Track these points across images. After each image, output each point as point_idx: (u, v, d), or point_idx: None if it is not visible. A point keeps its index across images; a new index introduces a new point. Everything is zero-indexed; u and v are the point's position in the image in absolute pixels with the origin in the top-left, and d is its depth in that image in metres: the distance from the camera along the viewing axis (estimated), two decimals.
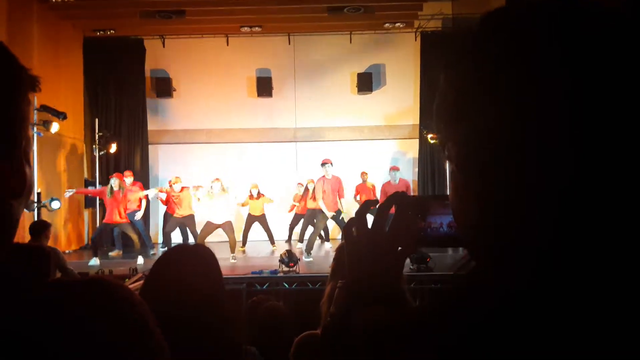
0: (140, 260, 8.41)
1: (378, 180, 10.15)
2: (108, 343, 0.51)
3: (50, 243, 5.92)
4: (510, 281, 0.43)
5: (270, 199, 9.91)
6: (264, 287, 6.74)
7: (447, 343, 0.42)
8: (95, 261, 8.23)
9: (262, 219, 9.80)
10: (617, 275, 0.40)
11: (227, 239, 8.62)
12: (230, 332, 1.48)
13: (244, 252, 9.34)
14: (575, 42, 0.41)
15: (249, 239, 9.83)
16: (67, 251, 9.66)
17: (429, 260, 6.89)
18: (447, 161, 0.50)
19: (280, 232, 10.52)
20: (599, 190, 0.40)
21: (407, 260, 6.73)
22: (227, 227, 8.64)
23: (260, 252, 9.55)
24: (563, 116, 0.40)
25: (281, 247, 9.00)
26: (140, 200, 9.34)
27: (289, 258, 7.10)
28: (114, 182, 8.68)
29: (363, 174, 10.07)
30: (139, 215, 9.19)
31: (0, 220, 0.58)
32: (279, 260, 7.15)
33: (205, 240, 8.34)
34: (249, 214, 9.78)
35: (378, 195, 9.56)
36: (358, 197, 9.85)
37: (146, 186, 10.80)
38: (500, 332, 0.40)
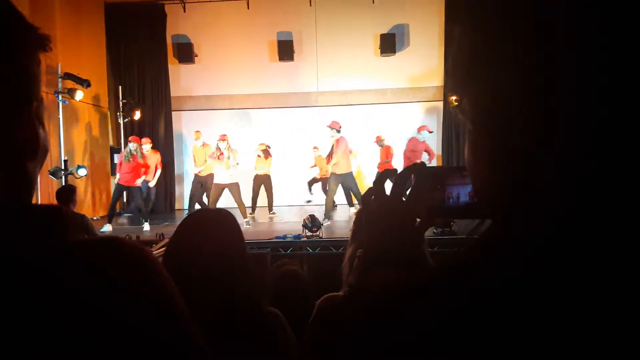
0: (146, 227, 8.59)
1: (402, 144, 10.04)
2: (120, 300, 0.51)
3: (78, 209, 6.07)
4: (526, 238, 0.42)
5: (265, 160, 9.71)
6: (288, 251, 6.83)
7: (465, 299, 0.42)
8: (108, 227, 8.42)
9: (267, 181, 9.67)
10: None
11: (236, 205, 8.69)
12: (252, 293, 1.50)
13: (253, 218, 9.29)
14: None
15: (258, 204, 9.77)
16: (94, 218, 9.91)
17: (453, 224, 6.87)
18: (463, 118, 0.49)
19: (297, 198, 10.58)
20: (618, 154, 0.39)
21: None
22: (234, 188, 8.68)
23: (284, 218, 9.63)
24: (583, 72, 0.39)
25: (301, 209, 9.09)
26: (156, 168, 9.40)
27: (312, 223, 7.15)
28: (132, 145, 8.78)
29: (378, 138, 10.01)
30: (152, 183, 9.29)
31: (13, 180, 0.57)
32: (302, 225, 7.22)
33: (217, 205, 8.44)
34: (256, 175, 9.64)
35: (396, 154, 9.59)
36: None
37: (170, 153, 10.90)
38: (517, 289, 0.40)
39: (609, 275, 0.38)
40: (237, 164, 8.81)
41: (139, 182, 8.90)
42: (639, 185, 0.39)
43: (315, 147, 10.35)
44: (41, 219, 0.55)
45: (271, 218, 9.57)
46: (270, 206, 9.78)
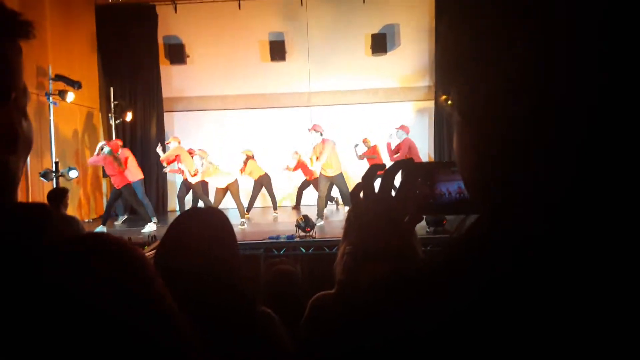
0: (146, 228, 8.50)
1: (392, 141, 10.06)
2: (105, 295, 0.51)
3: (69, 212, 6.02)
4: (515, 231, 0.42)
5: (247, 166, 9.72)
6: (282, 252, 6.82)
7: (454, 290, 0.42)
8: (102, 228, 8.37)
9: (266, 180, 9.67)
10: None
11: (235, 206, 8.70)
12: (243, 293, 1.51)
13: (248, 219, 9.29)
14: None
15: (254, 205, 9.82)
16: (86, 220, 9.85)
17: (445, 223, 6.89)
18: (452, 109, 0.49)
19: (291, 198, 10.61)
20: (608, 147, 0.38)
21: (424, 223, 6.68)
22: (233, 187, 8.72)
23: (278, 218, 9.62)
24: (572, 65, 0.39)
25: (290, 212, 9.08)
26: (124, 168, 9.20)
27: (306, 223, 7.15)
28: (106, 149, 8.76)
29: (365, 140, 10.09)
30: (137, 185, 9.15)
31: None
32: (296, 225, 7.21)
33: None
34: (254, 180, 9.71)
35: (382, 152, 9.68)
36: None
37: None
38: (507, 282, 0.40)
39: (600, 270, 0.38)
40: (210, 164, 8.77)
41: (131, 177, 8.83)
42: (630, 179, 0.39)
43: (295, 152, 10.33)
44: (26, 216, 0.54)
45: (275, 218, 9.55)
46: (274, 204, 9.81)
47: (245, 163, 9.51)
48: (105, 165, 8.80)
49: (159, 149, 9.49)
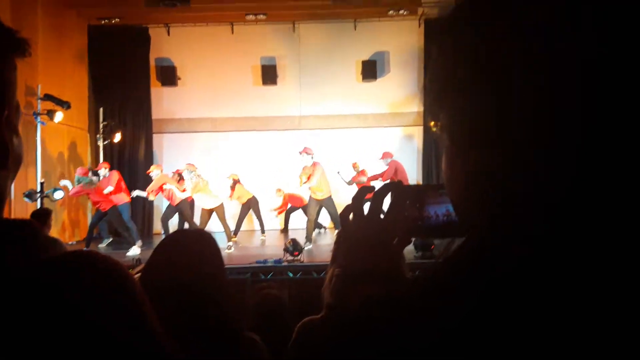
0: (131, 251, 8.41)
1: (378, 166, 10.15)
2: (90, 314, 0.50)
3: (52, 233, 5.94)
4: (501, 254, 0.42)
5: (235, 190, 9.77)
6: (269, 276, 6.76)
7: (442, 311, 0.42)
8: None
9: (254, 204, 9.71)
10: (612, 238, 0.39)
11: (222, 229, 8.67)
12: (228, 318, 1.48)
13: (235, 242, 9.25)
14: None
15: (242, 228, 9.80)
16: (70, 242, 9.71)
17: (433, 248, 6.89)
18: (440, 132, 0.50)
19: (278, 221, 10.61)
20: (595, 170, 0.39)
21: (412, 247, 6.68)
22: (219, 210, 8.69)
23: (266, 241, 9.57)
24: (555, 84, 0.39)
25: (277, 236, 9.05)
26: (113, 190, 9.01)
27: (294, 247, 7.11)
28: (77, 177, 8.73)
29: (354, 165, 10.18)
30: (123, 208, 9.06)
31: None
32: (284, 249, 7.17)
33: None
34: (242, 204, 9.75)
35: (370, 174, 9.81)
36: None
37: (150, 176, 10.73)
38: (489, 300, 0.40)
39: (588, 292, 0.38)
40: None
41: (118, 200, 8.78)
42: (618, 204, 0.39)
43: (278, 190, 10.34)
44: (13, 232, 0.54)
45: (263, 241, 9.52)
46: (262, 227, 9.80)
47: (232, 188, 9.51)
48: (88, 193, 8.72)
49: (136, 192, 9.37)
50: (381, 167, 9.60)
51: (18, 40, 0.57)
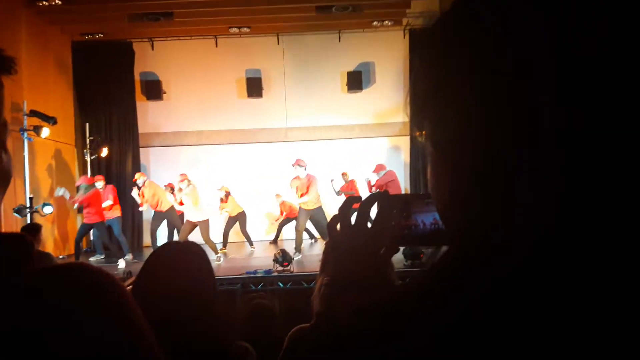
0: (121, 264, 8.40)
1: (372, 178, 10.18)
2: (85, 325, 0.51)
3: (42, 248, 5.88)
4: (487, 258, 0.43)
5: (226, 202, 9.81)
6: (259, 287, 6.75)
7: (431, 318, 0.42)
8: None
9: (241, 217, 9.73)
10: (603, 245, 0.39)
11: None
12: (220, 329, 1.50)
13: (225, 254, 9.25)
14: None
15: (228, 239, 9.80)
16: (60, 256, 9.61)
17: (422, 257, 6.92)
18: (425, 140, 0.50)
19: (267, 233, 10.62)
20: (581, 172, 0.39)
21: (401, 256, 6.64)
22: (204, 226, 8.62)
23: (255, 253, 9.55)
24: (540, 91, 0.40)
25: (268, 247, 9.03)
26: (112, 204, 9.15)
27: (283, 257, 7.11)
28: (83, 185, 8.73)
29: (344, 174, 10.19)
30: (115, 221, 9.09)
31: None
32: (273, 260, 7.16)
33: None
34: (229, 216, 9.75)
35: (360, 187, 9.81)
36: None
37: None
38: (476, 307, 0.40)
39: (578, 298, 0.38)
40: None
41: (109, 215, 8.80)
42: (604, 207, 0.39)
43: (277, 195, 10.38)
44: (5, 247, 0.54)
45: (252, 252, 9.54)
46: (249, 240, 9.79)
47: (224, 200, 9.50)
48: (91, 201, 8.67)
49: (134, 193, 9.41)
50: (373, 177, 9.55)
51: (3, 59, 0.57)
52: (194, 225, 8.68)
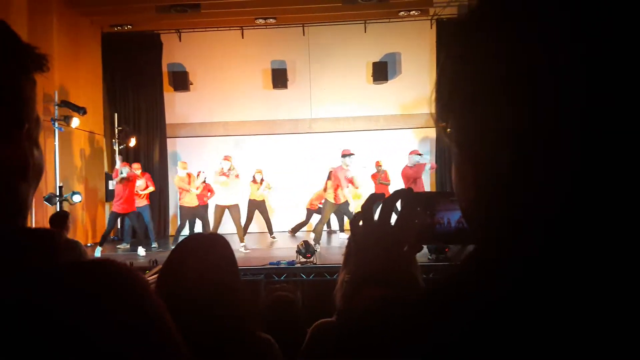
0: (140, 251, 8.57)
1: (396, 169, 10.06)
2: (109, 321, 0.51)
3: (71, 235, 6.03)
4: (512, 260, 0.42)
5: (269, 186, 9.86)
6: (282, 277, 6.80)
7: (454, 316, 0.42)
8: (99, 250, 8.49)
9: (262, 206, 9.76)
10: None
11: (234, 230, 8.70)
12: (243, 319, 1.51)
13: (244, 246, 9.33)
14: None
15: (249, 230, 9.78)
16: (88, 244, 9.84)
17: (448, 251, 6.86)
18: (448, 139, 0.50)
19: (291, 223, 10.68)
20: (600, 174, 0.39)
21: (425, 251, 6.59)
22: (234, 210, 8.72)
23: (278, 243, 9.61)
24: (564, 94, 0.39)
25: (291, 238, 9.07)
26: (147, 187, 9.46)
27: (306, 249, 7.14)
28: (124, 169, 8.89)
29: (377, 163, 9.99)
30: (145, 209, 9.34)
31: (4, 202, 0.57)
32: (296, 251, 7.19)
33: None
34: (250, 200, 9.70)
35: (393, 179, 9.59)
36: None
37: (165, 179, 10.99)
38: (505, 309, 0.40)
39: (599, 297, 0.38)
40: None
41: (139, 203, 9.07)
42: (626, 207, 0.39)
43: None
44: (34, 242, 0.55)
45: (272, 242, 9.60)
46: (270, 230, 9.83)
47: (260, 182, 9.61)
48: (129, 187, 8.91)
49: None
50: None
51: (37, 56, 0.58)
52: (223, 209, 8.78)
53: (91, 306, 0.51)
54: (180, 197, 9.77)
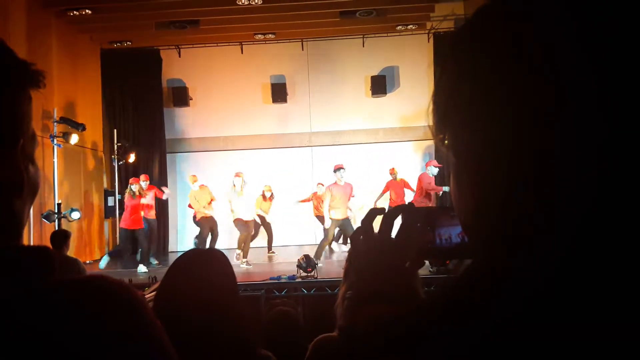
0: (141, 268, 8.53)
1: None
2: (101, 340, 0.51)
3: (70, 253, 6.00)
4: (512, 274, 0.42)
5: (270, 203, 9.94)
6: (283, 292, 6.75)
7: (450, 337, 0.42)
8: (106, 259, 8.59)
9: (266, 221, 9.85)
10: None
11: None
12: (243, 336, 1.49)
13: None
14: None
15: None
16: (87, 261, 9.80)
17: (449, 263, 6.81)
18: (446, 150, 0.50)
19: (292, 238, 10.65)
20: (604, 185, 0.38)
21: (427, 263, 6.70)
22: (253, 224, 8.90)
23: (279, 258, 9.57)
24: (565, 103, 0.39)
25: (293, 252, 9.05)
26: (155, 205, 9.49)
27: (307, 263, 7.10)
28: (135, 187, 8.90)
29: (392, 170, 9.79)
30: (154, 222, 9.37)
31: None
32: (297, 266, 7.15)
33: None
34: (259, 216, 9.77)
35: (413, 186, 9.39)
36: (388, 194, 9.58)
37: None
38: (500, 328, 0.40)
39: (608, 309, 0.38)
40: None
41: (149, 216, 9.17)
42: (627, 218, 0.38)
43: (320, 184, 10.16)
44: (28, 260, 0.54)
45: (270, 257, 9.59)
46: (269, 245, 9.86)
47: (269, 199, 9.69)
48: (137, 203, 8.93)
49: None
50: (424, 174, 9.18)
51: (33, 73, 0.58)
52: (246, 223, 8.84)
53: (82, 325, 0.50)
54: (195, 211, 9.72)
